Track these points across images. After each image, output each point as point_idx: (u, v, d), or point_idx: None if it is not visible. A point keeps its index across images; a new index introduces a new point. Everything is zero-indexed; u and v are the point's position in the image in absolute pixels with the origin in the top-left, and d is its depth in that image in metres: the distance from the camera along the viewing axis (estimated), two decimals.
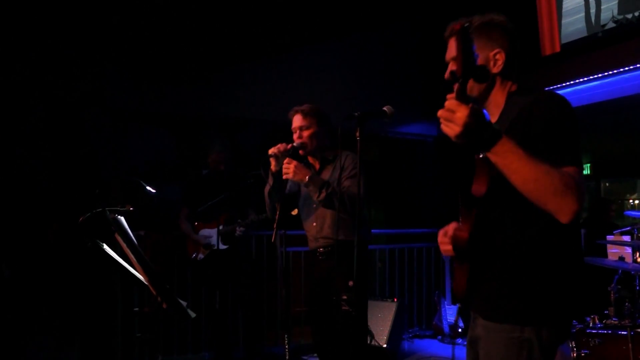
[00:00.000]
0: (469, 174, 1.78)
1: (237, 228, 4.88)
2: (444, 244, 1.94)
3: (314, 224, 3.59)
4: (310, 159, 3.67)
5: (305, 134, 3.51)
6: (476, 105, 1.68)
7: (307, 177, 3.32)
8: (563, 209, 1.66)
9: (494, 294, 1.91)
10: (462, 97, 1.62)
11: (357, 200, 2.87)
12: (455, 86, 1.66)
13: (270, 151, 3.38)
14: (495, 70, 1.95)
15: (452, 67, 2.02)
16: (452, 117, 1.61)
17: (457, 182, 1.86)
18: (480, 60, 1.95)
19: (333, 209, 3.38)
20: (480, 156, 1.72)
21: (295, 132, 3.54)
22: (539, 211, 1.72)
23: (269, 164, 3.43)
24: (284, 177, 3.36)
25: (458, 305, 6.28)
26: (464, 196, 1.79)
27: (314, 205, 3.58)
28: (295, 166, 3.33)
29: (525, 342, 1.84)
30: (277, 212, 3.45)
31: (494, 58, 1.95)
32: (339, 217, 3.36)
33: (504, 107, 1.98)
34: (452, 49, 2.01)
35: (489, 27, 1.97)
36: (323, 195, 3.31)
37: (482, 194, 1.74)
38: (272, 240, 3.44)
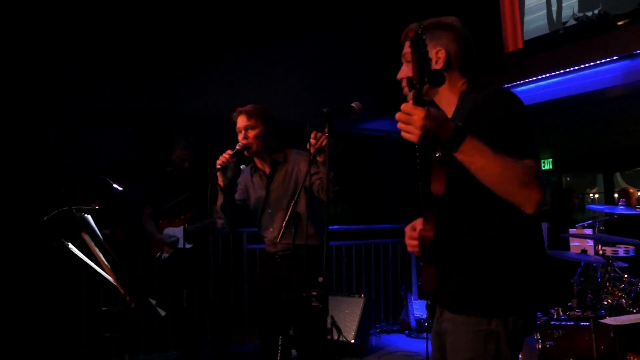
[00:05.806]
0: (428, 173, 1.79)
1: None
2: (412, 239, 1.97)
3: (271, 229, 3.51)
4: (258, 163, 3.57)
5: (251, 134, 3.41)
6: (433, 107, 1.69)
7: None
8: (529, 200, 1.72)
9: (460, 288, 1.93)
10: (419, 102, 1.65)
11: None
12: (412, 92, 1.66)
13: (218, 163, 3.26)
14: (436, 67, 2.00)
15: (405, 67, 2.10)
16: (410, 120, 1.64)
17: (417, 182, 1.85)
18: None
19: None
20: (437, 155, 1.73)
21: (240, 133, 3.43)
22: (497, 207, 1.81)
23: (217, 180, 3.33)
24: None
25: (427, 301, 6.34)
26: (425, 196, 1.79)
27: (269, 211, 3.52)
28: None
29: (492, 335, 1.87)
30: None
31: (436, 56, 2.02)
32: (304, 220, 3.28)
33: (457, 105, 2.02)
34: (407, 50, 2.08)
35: (434, 28, 2.04)
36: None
37: (442, 193, 1.75)
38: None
